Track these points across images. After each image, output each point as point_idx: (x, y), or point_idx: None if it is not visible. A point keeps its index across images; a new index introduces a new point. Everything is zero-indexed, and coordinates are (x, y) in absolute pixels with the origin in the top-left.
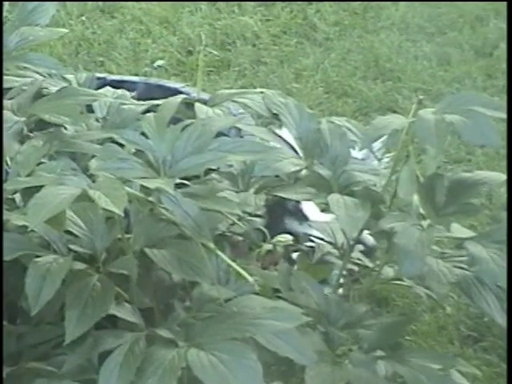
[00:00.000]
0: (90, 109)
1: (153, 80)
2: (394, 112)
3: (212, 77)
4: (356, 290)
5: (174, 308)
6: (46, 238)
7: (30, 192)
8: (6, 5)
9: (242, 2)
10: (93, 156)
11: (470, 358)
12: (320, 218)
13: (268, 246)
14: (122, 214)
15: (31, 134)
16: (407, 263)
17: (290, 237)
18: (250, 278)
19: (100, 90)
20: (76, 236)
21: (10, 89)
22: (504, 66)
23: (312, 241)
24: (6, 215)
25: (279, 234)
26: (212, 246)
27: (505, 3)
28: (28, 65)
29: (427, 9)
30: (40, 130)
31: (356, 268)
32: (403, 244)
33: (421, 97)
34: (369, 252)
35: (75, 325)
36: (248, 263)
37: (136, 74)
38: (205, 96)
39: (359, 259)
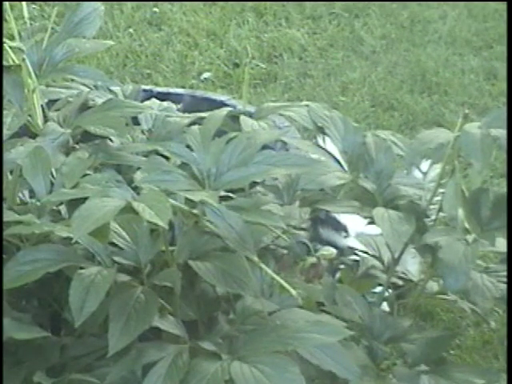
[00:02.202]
0: (135, 121)
1: (199, 92)
2: (440, 126)
3: (258, 89)
4: (400, 304)
5: (218, 321)
6: (90, 249)
7: (74, 204)
8: (53, 17)
9: (289, 16)
10: (138, 168)
11: None
12: (358, 226)
13: (312, 260)
14: (167, 227)
15: (77, 146)
16: (452, 278)
17: (334, 250)
18: (294, 292)
19: (146, 103)
20: (120, 248)
21: (56, 100)
22: None
23: (356, 254)
24: (50, 227)
25: (322, 246)
26: (256, 259)
27: None
28: (74, 76)
29: (474, 23)
30: (85, 142)
31: (400, 282)
32: (448, 259)
33: (467, 111)
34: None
35: (118, 337)
36: (292, 276)
37: (182, 87)
38: (251, 109)
39: (404, 273)
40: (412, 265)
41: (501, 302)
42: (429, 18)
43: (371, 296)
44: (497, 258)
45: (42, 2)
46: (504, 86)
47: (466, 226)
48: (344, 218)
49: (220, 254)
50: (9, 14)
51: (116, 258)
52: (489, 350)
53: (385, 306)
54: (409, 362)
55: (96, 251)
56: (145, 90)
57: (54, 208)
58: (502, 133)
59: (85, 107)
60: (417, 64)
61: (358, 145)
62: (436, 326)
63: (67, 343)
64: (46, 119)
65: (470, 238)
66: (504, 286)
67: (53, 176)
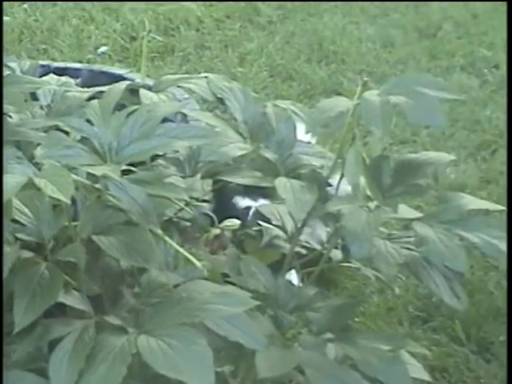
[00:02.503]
0: (34, 97)
1: (96, 67)
2: (339, 94)
3: (156, 62)
4: (304, 273)
5: (123, 295)
6: None
7: None
8: None
9: None
10: (38, 144)
11: (419, 338)
12: None
13: (216, 231)
14: (69, 202)
15: None
16: (355, 245)
17: (237, 221)
18: (199, 264)
19: (44, 78)
20: (23, 224)
21: None
22: (448, 47)
23: (259, 224)
24: None
25: (227, 218)
26: (159, 231)
27: None
28: None
29: None
30: None
31: (304, 251)
32: (351, 226)
33: (365, 79)
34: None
35: (24, 313)
36: (196, 248)
37: (80, 61)
38: (149, 82)
39: (307, 242)
40: (321, 230)
41: (404, 268)
42: None
43: None
44: (399, 224)
45: None
46: (401, 53)
47: (368, 193)
48: None
49: (123, 227)
50: None
51: (19, 235)
52: (393, 315)
53: (293, 274)
54: (314, 330)
55: None
56: (42, 66)
57: None
58: (401, 99)
59: None
60: (314, 33)
61: (258, 115)
62: (340, 294)
63: None
64: None
65: (372, 205)
66: (407, 252)
67: None
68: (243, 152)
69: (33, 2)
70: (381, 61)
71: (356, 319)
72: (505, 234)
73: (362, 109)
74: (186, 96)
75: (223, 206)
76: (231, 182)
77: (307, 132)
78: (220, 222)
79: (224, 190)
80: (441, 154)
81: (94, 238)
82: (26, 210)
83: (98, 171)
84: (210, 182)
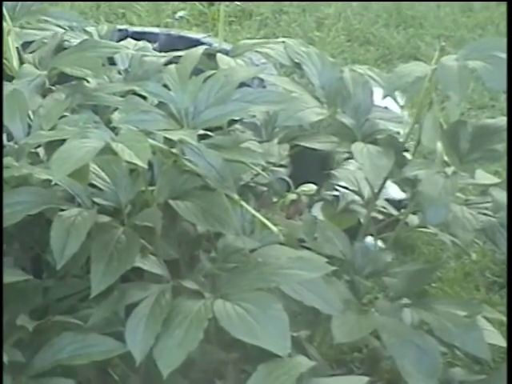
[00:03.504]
0: (111, 61)
1: (174, 31)
2: (417, 59)
3: (234, 27)
4: (381, 239)
5: (200, 259)
6: (70, 191)
7: (53, 146)
8: None
9: None
10: (115, 109)
11: (496, 303)
12: None
13: (292, 196)
14: (146, 167)
15: (53, 88)
16: (432, 211)
17: (313, 186)
18: (275, 228)
19: (121, 42)
20: (100, 189)
21: (31, 42)
22: None
23: (337, 190)
24: (29, 169)
25: (304, 183)
26: (236, 196)
27: None
28: (49, 18)
29: None
30: (62, 84)
31: (381, 216)
32: (428, 191)
33: (443, 43)
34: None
35: (101, 278)
36: (272, 213)
37: (157, 26)
38: (227, 46)
39: (384, 207)
40: (397, 191)
41: (481, 234)
42: None
43: None
44: (476, 190)
45: None
46: (480, 17)
47: (445, 158)
48: None
49: (200, 192)
50: None
51: (96, 199)
52: (470, 281)
53: (370, 239)
54: (391, 295)
55: (76, 193)
56: (120, 30)
57: (32, 151)
58: (479, 64)
59: (60, 48)
60: None
61: (335, 80)
62: (417, 259)
63: (49, 285)
64: (21, 61)
65: (449, 170)
66: (484, 218)
67: (30, 118)
68: (320, 117)
69: None
70: (459, 25)
71: (433, 284)
72: None
73: (439, 74)
74: (264, 61)
75: (300, 171)
76: (308, 147)
77: (384, 97)
78: (296, 187)
79: (301, 154)
80: None
81: (171, 202)
82: (104, 175)
83: (174, 136)
84: (286, 146)
